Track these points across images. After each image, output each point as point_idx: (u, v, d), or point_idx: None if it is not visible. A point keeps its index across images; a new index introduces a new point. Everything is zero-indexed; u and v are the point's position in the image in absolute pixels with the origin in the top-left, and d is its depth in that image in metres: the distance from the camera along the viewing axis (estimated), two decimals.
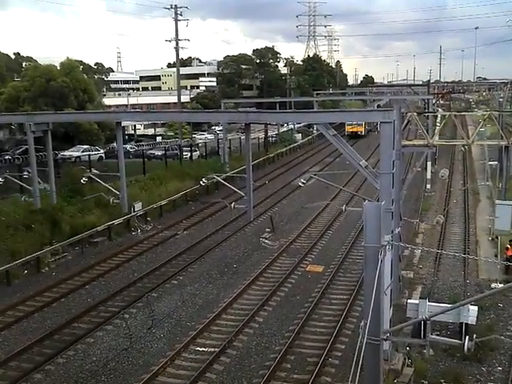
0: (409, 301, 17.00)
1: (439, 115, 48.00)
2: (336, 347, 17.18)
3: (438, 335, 14.62)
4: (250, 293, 21.95)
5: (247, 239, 29.45)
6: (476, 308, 16.12)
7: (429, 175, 41.91)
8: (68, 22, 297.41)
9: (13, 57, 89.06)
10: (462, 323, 15.98)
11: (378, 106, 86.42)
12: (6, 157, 41.56)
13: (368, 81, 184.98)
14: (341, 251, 27.09)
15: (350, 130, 74.13)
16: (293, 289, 22.41)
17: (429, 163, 41.58)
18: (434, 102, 59.62)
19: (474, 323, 16.04)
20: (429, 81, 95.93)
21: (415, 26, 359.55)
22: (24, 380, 15.44)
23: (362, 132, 74.79)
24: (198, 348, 17.30)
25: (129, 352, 17.04)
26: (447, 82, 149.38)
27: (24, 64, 78.97)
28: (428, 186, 41.55)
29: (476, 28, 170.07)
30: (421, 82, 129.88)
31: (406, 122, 39.33)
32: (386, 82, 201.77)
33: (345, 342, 17.46)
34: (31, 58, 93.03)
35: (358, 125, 73.19)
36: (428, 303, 15.58)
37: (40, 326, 18.93)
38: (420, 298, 18.41)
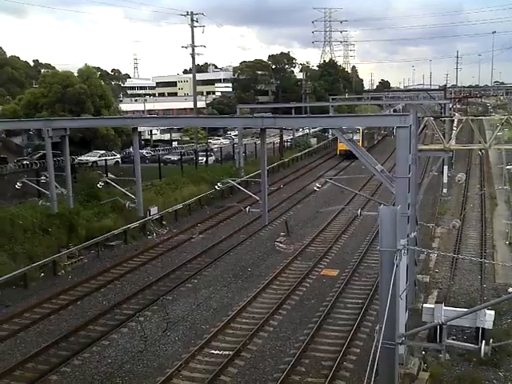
0: (424, 305, 16.88)
1: (456, 119, 47.55)
2: (351, 351, 17.08)
3: (454, 340, 14.53)
4: (265, 296, 21.93)
5: (262, 243, 29.45)
6: (493, 313, 15.94)
7: (445, 179, 41.60)
8: (86, 29, 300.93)
9: (32, 64, 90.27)
10: (478, 328, 15.82)
11: (394, 111, 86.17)
12: (24, 162, 42.03)
13: (384, 86, 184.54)
14: (356, 255, 26.97)
15: (343, 149, 57.94)
16: (307, 292, 22.35)
17: (445, 167, 41.27)
18: (450, 106, 59.23)
19: (491, 328, 15.86)
20: (445, 85, 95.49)
21: (431, 31, 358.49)
22: (40, 381, 15.57)
23: None
24: (213, 351, 17.31)
25: (144, 354, 17.11)
26: (464, 87, 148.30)
27: (42, 71, 79.93)
28: (444, 191, 41.24)
29: (493, 32, 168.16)
30: (437, 87, 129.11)
31: (422, 126, 38.99)
32: (402, 87, 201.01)
33: (360, 346, 17.37)
34: (49, 64, 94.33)
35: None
36: (444, 307, 15.46)
37: (56, 329, 19.10)
38: (436, 302, 18.25)
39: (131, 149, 40.60)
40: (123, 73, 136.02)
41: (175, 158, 49.42)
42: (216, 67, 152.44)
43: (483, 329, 15.77)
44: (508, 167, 40.73)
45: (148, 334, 18.43)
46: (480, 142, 36.11)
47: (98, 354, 17.25)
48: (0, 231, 24.88)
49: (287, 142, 66.61)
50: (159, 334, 18.48)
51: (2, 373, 15.85)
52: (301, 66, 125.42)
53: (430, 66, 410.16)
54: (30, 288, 23.08)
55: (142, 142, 63.72)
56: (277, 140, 61.30)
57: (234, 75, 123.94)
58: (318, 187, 28.05)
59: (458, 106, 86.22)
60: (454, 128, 44.44)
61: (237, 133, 59.51)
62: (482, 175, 49.84)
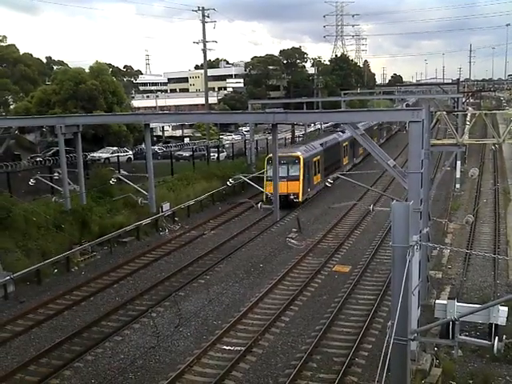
0: (437, 301, 16.75)
1: (469, 114, 47.26)
2: (363, 347, 17.04)
3: (466, 336, 14.42)
4: (277, 292, 21.94)
5: (273, 239, 29.46)
6: (506, 309, 15.75)
7: (458, 174, 41.31)
8: (98, 25, 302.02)
9: (44, 61, 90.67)
10: (491, 324, 15.69)
11: (407, 105, 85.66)
12: (38, 158, 42.33)
13: (396, 80, 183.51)
14: (368, 251, 26.89)
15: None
16: (319, 289, 22.33)
17: (458, 162, 40.98)
18: (463, 100, 58.71)
19: (504, 324, 15.72)
20: (458, 79, 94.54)
21: (444, 24, 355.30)
22: (54, 376, 15.70)
23: (296, 196, 35.73)
24: (225, 347, 17.36)
25: (156, 350, 17.19)
26: (477, 80, 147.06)
27: (55, 68, 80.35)
28: (457, 186, 40.97)
29: (507, 25, 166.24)
30: (450, 81, 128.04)
31: (435, 121, 38.80)
32: (414, 81, 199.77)
33: (372, 342, 17.32)
34: (62, 61, 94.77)
35: (288, 178, 35.49)
36: (457, 303, 15.34)
37: (69, 324, 19.25)
38: (448, 298, 18.14)
39: (143, 145, 40.81)
40: (135, 69, 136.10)
41: (187, 154, 49.54)
42: (227, 63, 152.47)
43: (496, 325, 15.58)
44: None
45: (160, 329, 18.52)
46: (493, 137, 35.95)
47: (110, 349, 17.37)
48: (14, 228, 25.09)
49: (299, 137, 66.50)
50: (171, 330, 18.56)
51: (16, 368, 16.03)
52: (312, 61, 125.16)
53: (442, 59, 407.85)
54: (43, 284, 23.29)
55: (154, 139, 63.96)
56: (288, 135, 61.22)
57: (245, 70, 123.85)
58: (329, 183, 27.90)
59: (471, 100, 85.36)
60: (467, 122, 44.25)
61: (248, 128, 59.53)
62: (496, 170, 49.43)
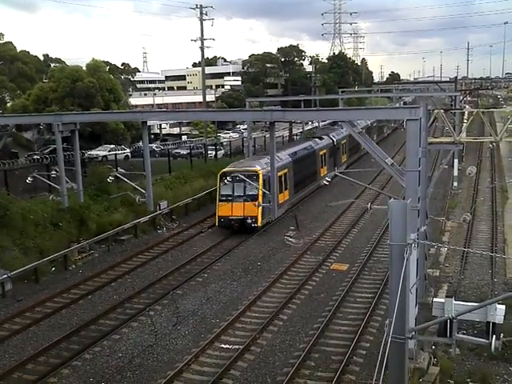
0: (434, 299, 16.82)
1: (466, 112, 47.27)
2: (360, 345, 17.07)
3: (464, 334, 14.46)
4: (274, 291, 21.96)
5: (271, 237, 29.46)
6: (503, 307, 15.85)
7: (456, 173, 41.38)
8: (96, 23, 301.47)
9: (42, 58, 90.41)
10: (489, 322, 15.74)
11: (405, 104, 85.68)
12: (35, 156, 42.22)
13: (394, 78, 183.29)
14: (366, 250, 26.92)
15: (227, 216, 30.15)
16: (317, 287, 22.35)
17: (456, 160, 41.06)
18: (461, 98, 58.76)
19: (502, 322, 15.78)
20: (456, 77, 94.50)
21: (442, 23, 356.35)
22: (52, 375, 15.71)
23: (254, 220, 29.94)
24: (223, 345, 17.38)
25: (154, 348, 17.20)
26: (475, 79, 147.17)
27: (52, 65, 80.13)
28: (455, 184, 41.04)
29: (505, 23, 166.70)
30: (448, 79, 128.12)
31: (432, 119, 38.83)
32: (412, 79, 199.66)
33: (369, 341, 17.35)
34: (60, 59, 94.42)
35: (245, 199, 30.24)
36: (454, 302, 15.40)
37: (67, 323, 19.26)
38: (446, 296, 18.19)
39: (141, 143, 40.68)
40: (133, 67, 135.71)
41: (185, 152, 49.45)
42: (225, 60, 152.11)
43: (494, 323, 15.69)
44: None
45: (158, 328, 18.50)
46: (491, 135, 36.04)
47: (108, 348, 17.37)
48: (11, 226, 25.05)
49: (297, 135, 66.45)
50: (169, 328, 18.57)
51: (14, 366, 16.02)
52: (310, 59, 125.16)
53: (440, 57, 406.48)
54: (41, 282, 23.28)
55: (152, 136, 63.84)
56: (286, 133, 61.16)
57: (243, 68, 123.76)
58: (327, 181, 27.92)
59: (469, 99, 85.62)
60: (465, 121, 44.25)
61: (246, 126, 59.47)
62: (493, 168, 49.52)
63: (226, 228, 30.16)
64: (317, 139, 44.41)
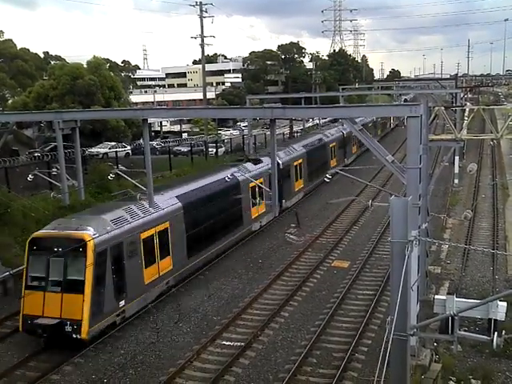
0: (436, 296, 16.80)
1: (467, 109, 47.24)
2: (362, 342, 17.10)
3: (466, 331, 14.49)
4: (276, 288, 21.98)
5: (272, 234, 29.47)
6: (505, 304, 15.82)
7: (456, 170, 41.34)
8: (96, 20, 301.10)
9: (42, 56, 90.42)
10: (490, 319, 15.74)
11: (405, 101, 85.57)
12: (36, 154, 42.22)
13: (394, 75, 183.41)
14: (367, 247, 26.93)
15: (34, 317, 17.11)
16: (318, 284, 22.37)
17: (456, 158, 40.99)
18: (461, 95, 58.66)
19: (503, 319, 15.77)
20: (456, 74, 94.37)
21: (443, 20, 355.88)
22: (54, 372, 15.74)
23: (77, 325, 16.48)
24: (224, 342, 17.41)
25: (156, 346, 17.24)
26: (475, 76, 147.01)
27: (52, 63, 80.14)
28: (456, 181, 41.01)
29: (506, 20, 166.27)
30: (448, 76, 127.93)
31: (433, 116, 38.79)
32: (412, 76, 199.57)
33: (371, 338, 17.38)
34: (60, 56, 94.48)
35: (64, 287, 17.12)
36: (456, 299, 15.38)
37: None
38: (447, 293, 18.20)
39: (141, 140, 40.66)
40: (133, 64, 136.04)
41: (185, 149, 49.44)
42: (225, 58, 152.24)
43: (495, 320, 15.67)
44: None
45: (160, 325, 18.55)
46: (492, 132, 35.95)
47: (110, 345, 17.39)
48: (13, 223, 25.06)
49: (297, 132, 66.42)
50: (171, 326, 18.60)
51: (16, 363, 16.12)
52: (310, 56, 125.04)
53: (441, 54, 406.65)
54: None
55: (152, 134, 63.79)
56: (287, 131, 61.13)
57: (243, 65, 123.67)
58: (328, 178, 27.87)
59: (470, 96, 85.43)
60: (466, 118, 44.19)
61: (246, 124, 59.44)
62: (494, 165, 49.49)
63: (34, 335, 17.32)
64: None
